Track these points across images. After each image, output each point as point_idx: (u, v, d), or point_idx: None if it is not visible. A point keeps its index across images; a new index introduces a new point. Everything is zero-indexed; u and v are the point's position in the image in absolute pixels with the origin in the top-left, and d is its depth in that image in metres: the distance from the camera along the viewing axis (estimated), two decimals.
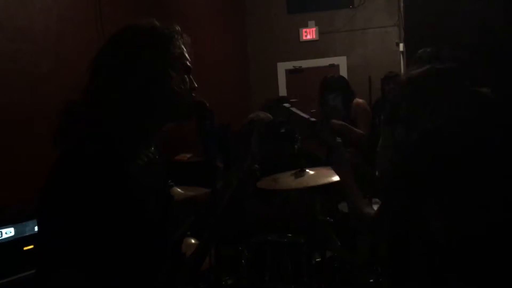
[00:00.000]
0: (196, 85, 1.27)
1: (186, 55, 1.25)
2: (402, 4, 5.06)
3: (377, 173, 2.92)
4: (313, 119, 1.74)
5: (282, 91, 6.57)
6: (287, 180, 2.51)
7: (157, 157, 1.30)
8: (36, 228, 2.25)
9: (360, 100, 3.81)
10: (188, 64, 1.25)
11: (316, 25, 6.48)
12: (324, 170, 2.55)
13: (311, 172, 2.52)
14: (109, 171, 1.09)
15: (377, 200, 2.60)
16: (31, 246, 2.25)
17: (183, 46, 1.24)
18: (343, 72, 6.18)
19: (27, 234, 2.29)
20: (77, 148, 1.11)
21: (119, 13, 3.41)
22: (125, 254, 1.13)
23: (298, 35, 6.53)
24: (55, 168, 1.10)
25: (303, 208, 2.75)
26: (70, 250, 1.05)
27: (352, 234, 3.28)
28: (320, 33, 6.46)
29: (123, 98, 1.16)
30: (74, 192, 1.06)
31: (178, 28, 1.26)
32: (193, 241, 2.39)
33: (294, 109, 1.75)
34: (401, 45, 5.39)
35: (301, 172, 2.52)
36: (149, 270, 1.21)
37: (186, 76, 1.25)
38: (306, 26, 6.52)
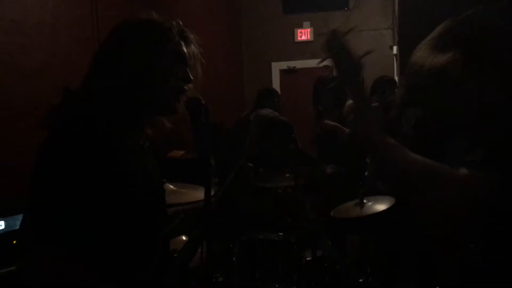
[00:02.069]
0: (192, 78, 1.28)
1: (183, 48, 1.26)
2: (396, 7, 5.09)
3: (366, 173, 2.94)
4: None
5: None
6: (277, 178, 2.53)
7: (147, 147, 1.32)
8: None
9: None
10: (183, 57, 1.26)
11: (311, 26, 6.50)
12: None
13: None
14: (95, 150, 1.12)
15: (369, 200, 2.62)
16: None
17: (180, 40, 1.26)
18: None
19: (17, 227, 2.28)
20: (65, 128, 1.13)
21: (114, 9, 3.40)
22: (111, 237, 1.14)
23: (293, 35, 6.55)
24: (44, 146, 1.12)
25: (294, 207, 2.76)
26: (53, 227, 1.06)
27: (343, 234, 3.30)
28: (315, 34, 6.48)
29: (114, 86, 1.18)
30: (60, 169, 1.09)
31: (177, 22, 1.28)
32: (184, 238, 2.39)
33: None
34: (395, 48, 5.42)
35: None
36: (137, 259, 1.21)
37: (180, 68, 1.26)
38: (301, 26, 6.53)
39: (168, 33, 1.23)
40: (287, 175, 2.54)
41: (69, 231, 1.07)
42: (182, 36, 1.27)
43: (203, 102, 1.26)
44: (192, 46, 1.29)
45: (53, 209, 1.07)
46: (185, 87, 1.27)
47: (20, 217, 2.28)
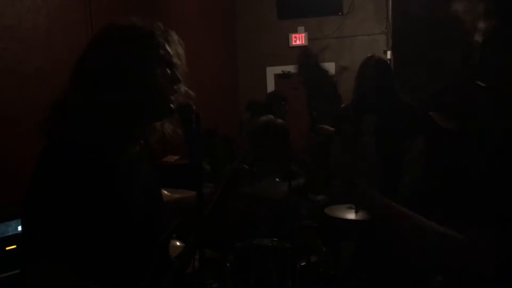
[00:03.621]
0: (181, 79, 1.28)
1: (168, 49, 1.25)
2: (390, 13, 5.12)
3: None
4: None
5: None
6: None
7: (144, 156, 1.32)
8: (19, 228, 2.23)
9: (347, 104, 3.83)
10: (168, 58, 1.25)
11: (305, 31, 6.53)
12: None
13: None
14: (92, 163, 1.12)
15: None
16: (14, 246, 2.23)
17: (164, 42, 1.25)
18: None
19: (9, 234, 2.27)
20: (61, 141, 1.12)
21: (108, 14, 3.40)
22: (111, 248, 1.14)
23: (287, 40, 6.57)
24: (40, 159, 1.12)
25: (289, 213, 2.76)
26: (53, 241, 1.06)
27: (337, 240, 3.30)
28: (310, 39, 6.50)
29: (104, 94, 1.18)
30: (59, 183, 1.09)
31: (159, 24, 1.27)
32: (178, 243, 2.38)
33: None
34: (389, 53, 5.45)
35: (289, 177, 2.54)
36: (136, 268, 1.21)
37: (166, 70, 1.25)
38: (295, 31, 6.56)
39: (150, 37, 1.23)
40: (279, 180, 2.54)
41: (67, 240, 1.07)
42: (165, 38, 1.26)
43: (194, 108, 1.26)
44: (177, 46, 1.28)
45: (52, 219, 1.07)
46: (174, 87, 1.27)
47: (12, 223, 2.27)
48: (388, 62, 5.36)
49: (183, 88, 1.30)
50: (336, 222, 2.66)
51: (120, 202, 1.16)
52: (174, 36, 1.29)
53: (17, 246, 2.21)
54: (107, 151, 1.17)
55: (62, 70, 2.84)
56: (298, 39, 6.56)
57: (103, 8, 3.39)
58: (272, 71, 6.64)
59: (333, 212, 2.64)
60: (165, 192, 2.36)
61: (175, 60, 1.27)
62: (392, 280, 2.72)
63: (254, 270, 2.29)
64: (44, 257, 1.06)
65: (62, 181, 1.08)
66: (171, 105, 1.26)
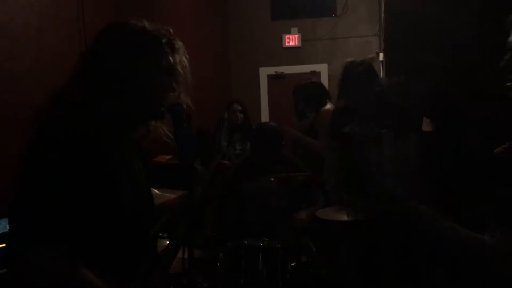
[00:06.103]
0: (175, 88, 1.28)
1: (171, 59, 1.26)
2: (383, 15, 5.15)
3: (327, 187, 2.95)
4: None
5: (264, 96, 6.61)
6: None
7: (135, 150, 1.33)
8: (7, 227, 2.21)
9: (328, 107, 3.64)
10: (172, 67, 1.26)
11: (299, 32, 6.55)
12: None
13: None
14: (85, 153, 1.13)
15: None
16: (3, 245, 2.21)
17: (169, 50, 1.25)
18: (324, 79, 6.25)
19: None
20: (54, 131, 1.13)
21: (100, 11, 3.39)
22: (100, 240, 1.14)
23: (281, 41, 6.59)
24: (34, 144, 1.12)
25: (280, 213, 2.77)
26: (44, 225, 1.06)
27: (328, 240, 3.32)
28: (303, 40, 6.53)
29: (104, 96, 1.19)
30: (51, 165, 1.09)
31: (168, 30, 1.27)
32: (168, 242, 2.38)
33: None
34: (381, 55, 5.48)
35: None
36: (125, 263, 1.21)
37: (165, 78, 1.26)
38: (289, 32, 6.57)
39: (158, 44, 1.23)
40: (272, 179, 2.55)
41: (58, 232, 1.07)
42: (171, 45, 1.26)
43: (185, 107, 1.27)
44: (180, 55, 1.28)
45: (43, 209, 1.07)
46: (170, 94, 1.27)
47: (1, 222, 2.25)
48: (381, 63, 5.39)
49: (183, 96, 1.30)
50: (327, 224, 2.66)
51: (111, 193, 1.17)
52: (180, 45, 1.29)
53: (6, 245, 2.20)
54: (99, 144, 1.17)
55: (54, 67, 2.84)
56: (292, 40, 6.58)
57: (95, 6, 3.37)
58: (265, 72, 6.66)
59: (324, 214, 2.65)
60: (156, 191, 2.36)
61: (177, 69, 1.27)
62: (382, 280, 2.73)
63: (244, 270, 2.29)
64: (39, 241, 1.06)
65: (55, 168, 1.09)
66: (161, 110, 1.27)
